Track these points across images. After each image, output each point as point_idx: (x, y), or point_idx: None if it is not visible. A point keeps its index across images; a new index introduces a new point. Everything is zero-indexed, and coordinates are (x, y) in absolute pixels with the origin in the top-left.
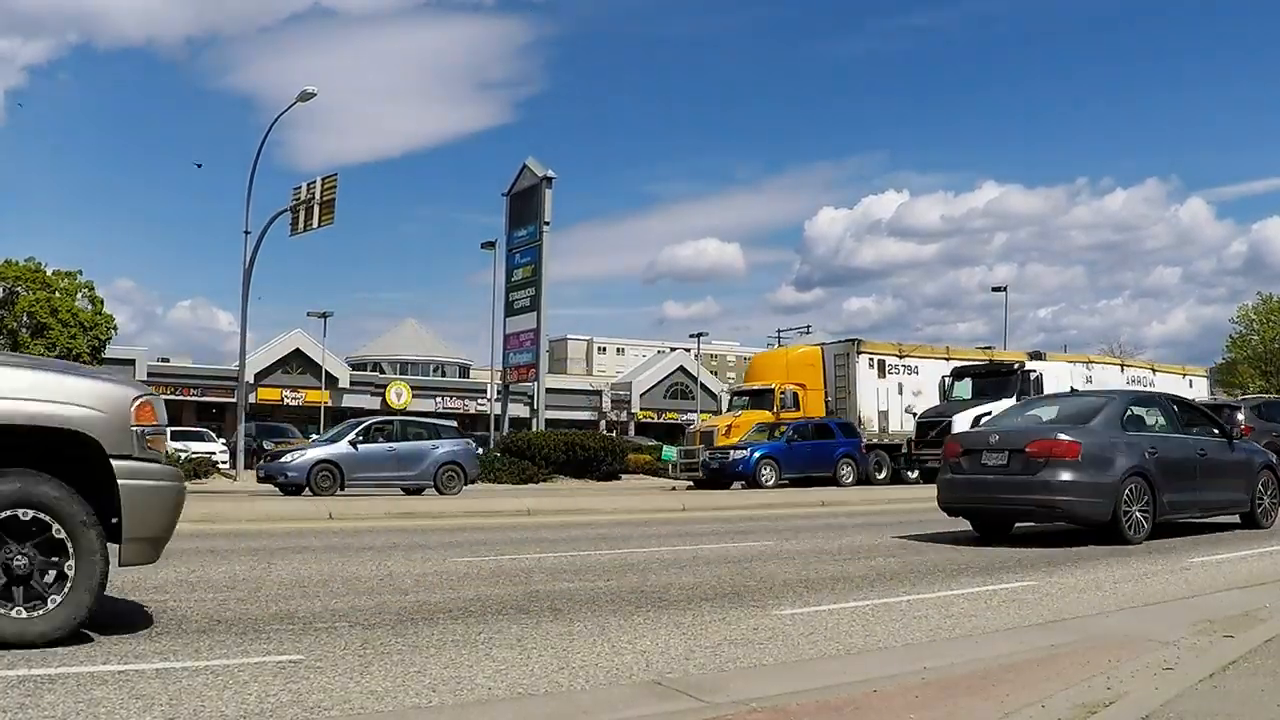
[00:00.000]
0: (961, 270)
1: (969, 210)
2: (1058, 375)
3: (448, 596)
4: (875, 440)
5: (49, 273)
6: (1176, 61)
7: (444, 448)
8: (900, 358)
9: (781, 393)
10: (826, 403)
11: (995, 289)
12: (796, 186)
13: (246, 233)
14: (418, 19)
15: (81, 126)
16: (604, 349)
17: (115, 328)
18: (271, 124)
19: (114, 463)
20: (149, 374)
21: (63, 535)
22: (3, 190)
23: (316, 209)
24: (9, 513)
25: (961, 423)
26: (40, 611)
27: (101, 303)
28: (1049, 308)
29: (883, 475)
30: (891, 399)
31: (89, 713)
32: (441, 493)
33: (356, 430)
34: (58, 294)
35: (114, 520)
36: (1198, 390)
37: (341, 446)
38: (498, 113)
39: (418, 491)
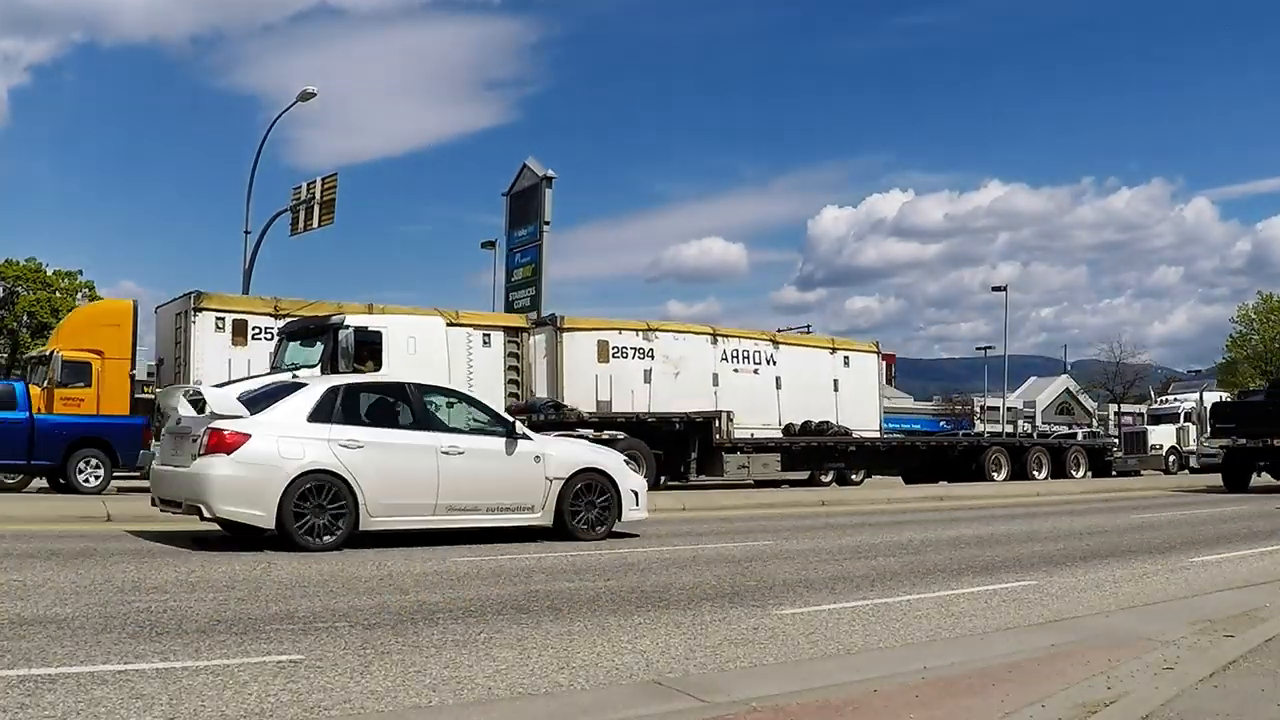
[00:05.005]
0: (964, 270)
1: (973, 209)
2: (580, 344)
3: (448, 596)
4: None
5: (49, 273)
6: (1183, 62)
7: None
8: (278, 318)
9: (65, 362)
10: (136, 376)
11: (996, 288)
12: (801, 186)
13: (247, 232)
14: (423, 18)
15: (85, 125)
16: None
17: None
18: (272, 124)
19: None
20: (149, 374)
21: None
22: (4, 190)
23: (316, 209)
24: None
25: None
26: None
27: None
28: (1051, 307)
29: None
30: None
31: (89, 712)
32: None
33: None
34: (58, 294)
35: None
36: (857, 370)
37: None
38: (502, 112)
39: None
